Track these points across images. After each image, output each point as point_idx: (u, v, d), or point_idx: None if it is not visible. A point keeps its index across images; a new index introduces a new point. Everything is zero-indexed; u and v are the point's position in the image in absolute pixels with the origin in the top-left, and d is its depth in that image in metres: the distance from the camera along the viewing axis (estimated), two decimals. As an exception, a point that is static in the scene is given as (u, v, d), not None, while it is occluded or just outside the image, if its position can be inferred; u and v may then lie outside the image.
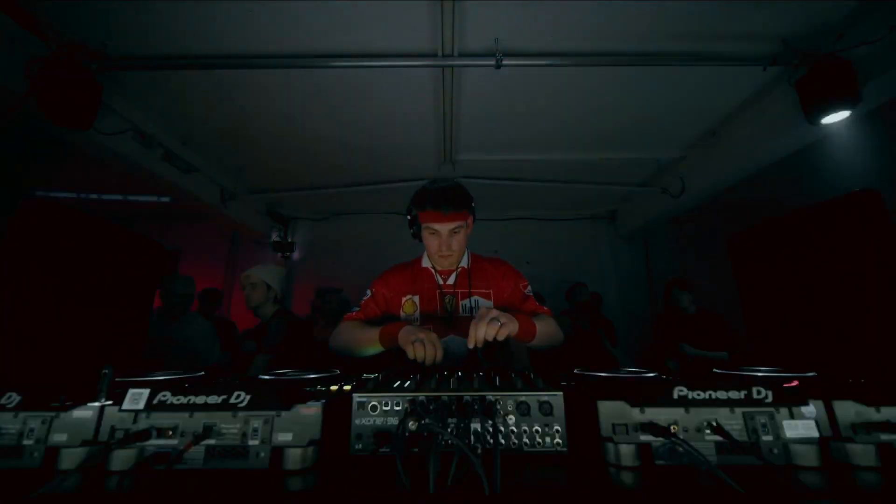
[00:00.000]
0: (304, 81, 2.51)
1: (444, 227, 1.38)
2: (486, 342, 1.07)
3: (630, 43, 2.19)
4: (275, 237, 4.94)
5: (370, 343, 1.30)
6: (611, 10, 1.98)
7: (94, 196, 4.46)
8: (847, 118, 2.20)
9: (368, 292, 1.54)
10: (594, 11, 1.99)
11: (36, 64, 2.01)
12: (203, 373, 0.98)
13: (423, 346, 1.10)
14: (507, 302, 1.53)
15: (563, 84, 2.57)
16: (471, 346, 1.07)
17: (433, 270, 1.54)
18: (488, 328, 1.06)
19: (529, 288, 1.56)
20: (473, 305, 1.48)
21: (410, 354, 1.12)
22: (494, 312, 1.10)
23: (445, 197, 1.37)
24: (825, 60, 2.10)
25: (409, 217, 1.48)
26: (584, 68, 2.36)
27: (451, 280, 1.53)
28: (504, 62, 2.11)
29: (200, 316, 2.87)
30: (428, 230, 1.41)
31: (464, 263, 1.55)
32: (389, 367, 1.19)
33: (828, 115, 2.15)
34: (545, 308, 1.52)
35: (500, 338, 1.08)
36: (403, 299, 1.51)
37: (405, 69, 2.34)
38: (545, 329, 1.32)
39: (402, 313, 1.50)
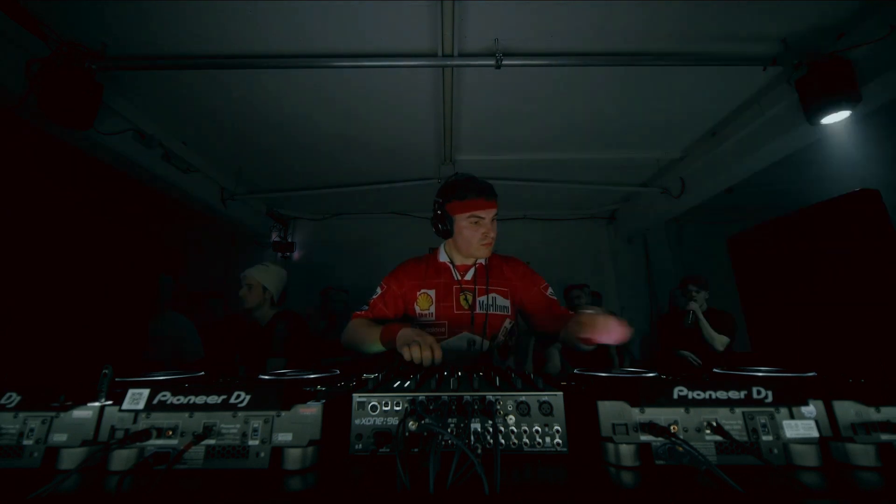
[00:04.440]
0: (305, 81, 2.51)
1: (488, 214, 1.41)
2: (500, 343, 1.02)
3: (630, 43, 2.19)
4: (275, 237, 4.94)
5: (373, 342, 1.32)
6: (610, 9, 1.97)
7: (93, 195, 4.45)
8: (847, 118, 2.20)
9: (378, 290, 1.53)
10: (594, 11, 1.98)
11: (36, 64, 2.01)
12: (203, 372, 0.98)
13: (418, 348, 1.10)
14: (529, 304, 1.53)
15: (563, 84, 2.57)
16: (604, 341, 1.04)
17: (451, 266, 1.53)
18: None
19: (551, 290, 1.56)
20: (491, 303, 1.48)
21: (406, 356, 1.12)
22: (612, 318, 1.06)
23: (485, 185, 1.42)
24: (825, 60, 2.10)
25: (438, 212, 1.46)
26: (584, 68, 2.36)
27: (468, 276, 1.52)
28: (504, 62, 2.11)
29: (179, 314, 2.80)
30: (471, 219, 1.41)
31: (482, 260, 1.54)
32: (389, 367, 1.19)
33: (828, 115, 2.15)
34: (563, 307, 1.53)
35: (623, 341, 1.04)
36: (418, 293, 1.49)
37: (405, 69, 2.34)
38: None
39: (416, 307, 1.48)
